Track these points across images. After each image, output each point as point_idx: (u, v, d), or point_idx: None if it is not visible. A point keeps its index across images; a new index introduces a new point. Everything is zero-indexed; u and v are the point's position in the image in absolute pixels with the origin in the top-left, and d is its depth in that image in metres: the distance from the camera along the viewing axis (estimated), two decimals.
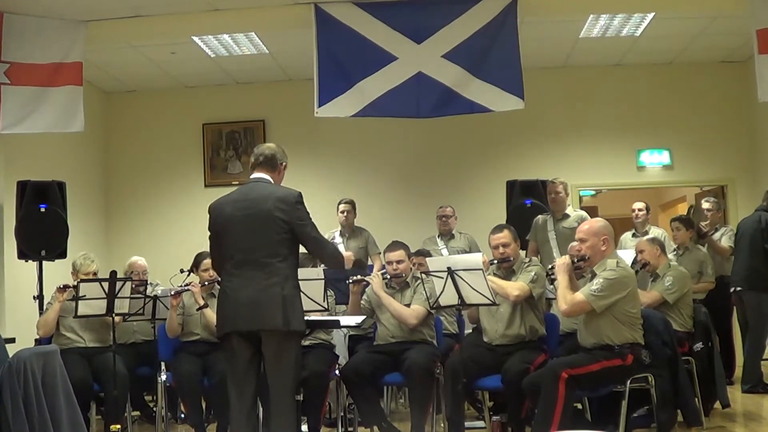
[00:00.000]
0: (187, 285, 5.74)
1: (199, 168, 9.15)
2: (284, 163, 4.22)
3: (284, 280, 3.93)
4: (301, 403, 4.38)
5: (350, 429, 5.54)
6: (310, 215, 4.06)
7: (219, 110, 9.17)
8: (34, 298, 6.53)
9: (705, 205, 7.57)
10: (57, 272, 6.79)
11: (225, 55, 8.07)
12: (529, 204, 7.32)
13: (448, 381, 4.91)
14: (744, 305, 6.84)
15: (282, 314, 3.88)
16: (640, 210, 7.54)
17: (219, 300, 4.08)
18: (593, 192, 10.44)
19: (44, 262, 6.76)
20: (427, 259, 5.31)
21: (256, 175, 4.16)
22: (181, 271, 5.96)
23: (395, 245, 5.57)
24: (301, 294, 4.13)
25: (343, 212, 7.32)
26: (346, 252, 4.43)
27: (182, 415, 6.09)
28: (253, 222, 3.97)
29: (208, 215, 4.16)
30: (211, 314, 5.52)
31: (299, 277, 4.20)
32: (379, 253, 7.01)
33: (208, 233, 4.16)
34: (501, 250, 5.12)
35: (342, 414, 5.49)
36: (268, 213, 3.95)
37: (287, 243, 3.98)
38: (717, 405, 5.62)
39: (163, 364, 5.68)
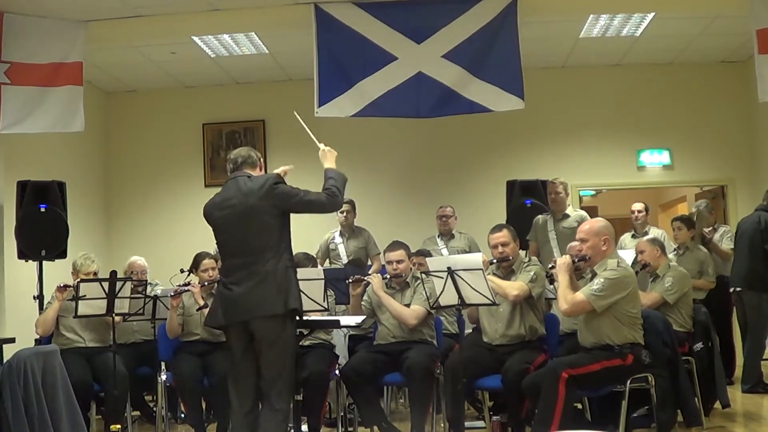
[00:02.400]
0: (186, 285, 5.74)
1: (199, 168, 9.15)
2: (261, 162, 4.28)
3: (274, 268, 3.94)
4: (301, 403, 4.38)
5: (350, 429, 5.54)
6: (292, 187, 4.07)
7: (219, 110, 9.17)
8: (34, 298, 6.53)
9: (692, 209, 7.58)
10: (57, 272, 6.79)
11: (225, 55, 8.07)
12: (529, 204, 7.32)
13: (448, 381, 4.90)
14: (744, 305, 6.83)
15: (279, 298, 3.90)
16: (639, 211, 7.54)
17: (215, 295, 4.14)
18: (593, 192, 10.44)
19: (44, 262, 6.77)
20: (427, 259, 5.31)
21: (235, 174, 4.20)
22: (181, 271, 5.96)
23: (395, 245, 5.57)
24: (299, 285, 4.11)
25: (342, 212, 7.31)
26: (323, 152, 4.32)
27: (182, 415, 6.09)
28: (238, 220, 4.01)
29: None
30: None
31: (299, 277, 4.19)
32: (379, 253, 7.01)
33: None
34: (500, 249, 5.12)
35: (342, 414, 5.49)
36: (251, 206, 3.99)
37: (276, 231, 4.00)
38: (717, 405, 5.62)
39: (163, 364, 5.68)
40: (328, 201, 4.11)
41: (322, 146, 4.40)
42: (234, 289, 3.97)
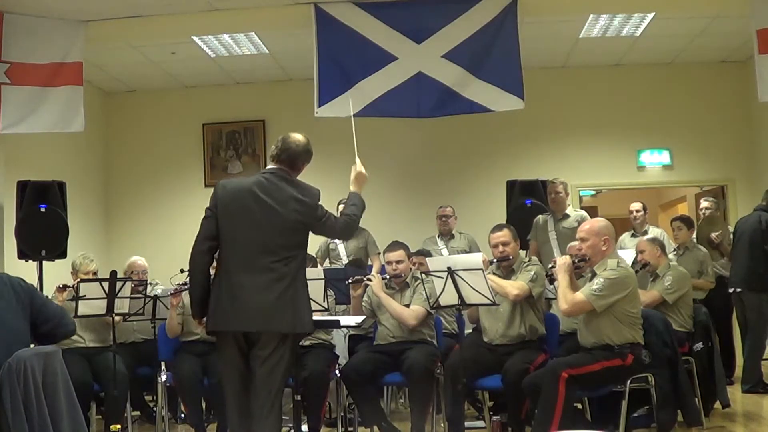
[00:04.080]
0: (185, 285, 5.73)
1: (199, 168, 9.15)
2: (306, 164, 4.01)
3: (292, 281, 3.77)
4: (301, 403, 4.37)
5: (350, 429, 5.55)
6: (326, 211, 3.94)
7: (219, 110, 9.17)
8: None
9: (704, 204, 7.59)
10: (57, 272, 6.79)
11: (225, 55, 8.08)
12: (529, 204, 7.32)
13: (448, 381, 4.91)
14: (744, 306, 6.82)
15: (291, 317, 3.75)
16: (637, 211, 7.53)
17: (219, 293, 3.78)
18: (593, 192, 10.45)
19: (44, 262, 6.76)
20: (427, 259, 5.31)
21: (274, 166, 3.93)
22: (181, 271, 5.93)
23: (395, 245, 5.57)
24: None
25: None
26: (356, 171, 4.16)
27: (182, 415, 6.09)
28: (269, 221, 3.77)
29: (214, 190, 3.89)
30: None
31: None
32: (379, 253, 7.00)
33: (207, 210, 3.86)
34: (500, 248, 5.13)
35: (342, 414, 5.49)
36: (287, 216, 3.78)
37: (300, 243, 3.86)
38: (717, 405, 5.63)
39: (163, 364, 5.68)
40: (344, 230, 4.10)
41: (359, 164, 4.19)
42: (246, 294, 3.72)
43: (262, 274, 3.74)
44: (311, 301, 4.66)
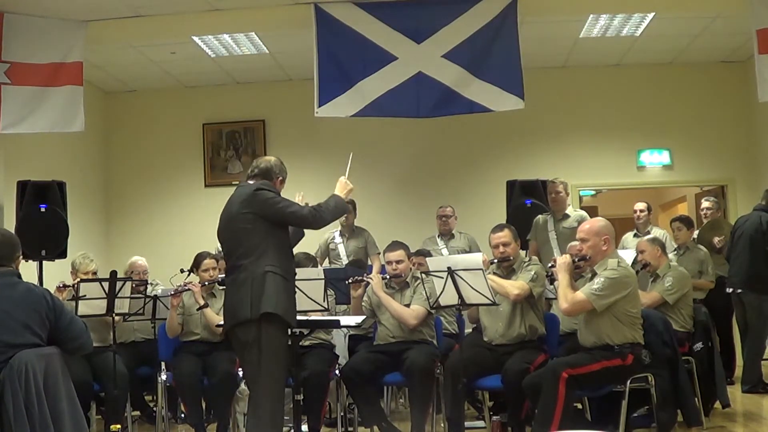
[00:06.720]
0: (186, 285, 5.73)
1: (199, 168, 9.15)
2: (281, 178, 4.22)
3: (261, 274, 3.93)
4: (301, 403, 4.37)
5: (350, 429, 5.55)
6: (279, 194, 4.10)
7: (219, 110, 9.17)
8: None
9: (705, 204, 7.58)
10: (57, 272, 6.79)
11: (225, 55, 8.08)
12: (529, 204, 7.31)
13: (448, 381, 4.91)
14: (744, 306, 6.81)
15: (249, 303, 3.90)
16: (641, 210, 7.52)
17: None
18: (593, 192, 10.45)
19: (44, 262, 6.76)
20: (427, 259, 5.32)
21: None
22: (182, 271, 5.96)
23: (395, 245, 5.57)
24: (296, 290, 4.19)
25: None
26: (340, 183, 4.26)
27: (182, 415, 6.09)
28: (225, 227, 4.12)
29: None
30: (211, 314, 5.52)
31: (299, 277, 4.19)
32: (379, 253, 7.01)
33: None
34: (501, 249, 5.13)
35: (342, 414, 5.49)
36: (236, 214, 4.05)
37: (255, 237, 3.99)
38: (717, 405, 5.63)
39: (163, 363, 5.68)
40: (311, 216, 4.06)
41: (344, 177, 4.32)
42: (226, 296, 4.15)
43: (235, 274, 4.03)
44: (312, 301, 4.71)
